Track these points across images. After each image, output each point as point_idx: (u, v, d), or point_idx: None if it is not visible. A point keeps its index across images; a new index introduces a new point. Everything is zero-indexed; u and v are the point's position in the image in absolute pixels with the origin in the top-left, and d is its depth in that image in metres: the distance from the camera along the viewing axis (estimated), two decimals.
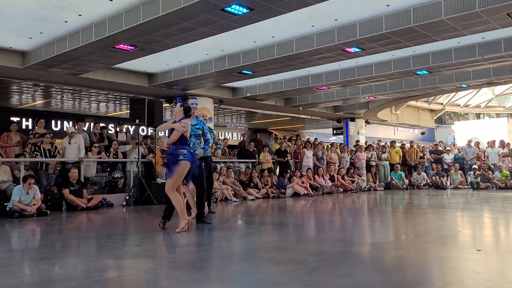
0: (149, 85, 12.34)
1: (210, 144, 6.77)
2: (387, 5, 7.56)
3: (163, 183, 10.19)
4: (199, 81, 11.94)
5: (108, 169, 10.61)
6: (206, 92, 13.60)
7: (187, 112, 5.73)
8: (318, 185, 12.63)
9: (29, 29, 8.30)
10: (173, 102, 13.87)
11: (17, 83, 12.08)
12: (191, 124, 5.99)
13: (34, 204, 7.82)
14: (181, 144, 5.47)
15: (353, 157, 15.12)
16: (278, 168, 13.62)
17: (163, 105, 13.05)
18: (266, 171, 12.25)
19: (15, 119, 14.86)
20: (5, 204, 7.87)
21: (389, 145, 16.04)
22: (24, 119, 16.43)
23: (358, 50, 9.13)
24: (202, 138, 6.31)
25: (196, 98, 6.35)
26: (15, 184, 8.37)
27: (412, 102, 21.60)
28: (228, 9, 6.52)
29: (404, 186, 14.58)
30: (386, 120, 21.31)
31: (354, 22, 8.27)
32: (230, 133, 23.19)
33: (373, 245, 4.73)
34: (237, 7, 6.47)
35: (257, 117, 20.31)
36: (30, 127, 15.59)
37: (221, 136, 21.56)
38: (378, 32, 8.05)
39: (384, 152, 15.45)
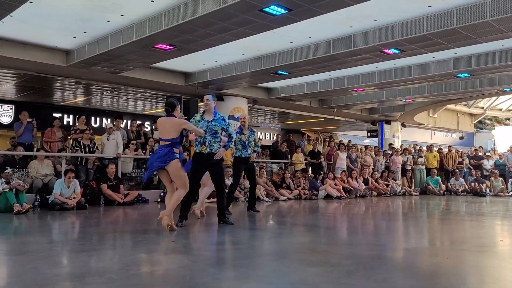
0: (185, 84, 12.54)
1: (233, 139, 6.51)
2: (429, 6, 7.38)
3: None
4: (234, 81, 12.05)
5: (144, 166, 10.85)
6: (240, 92, 13.70)
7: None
8: (352, 188, 12.47)
9: (74, 29, 8.61)
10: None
11: (60, 80, 12.56)
12: (207, 121, 5.81)
13: (74, 198, 8.11)
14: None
15: (388, 161, 14.83)
16: (310, 169, 13.54)
17: (198, 104, 13.26)
18: (299, 172, 12.21)
19: (57, 115, 15.45)
20: (47, 196, 8.21)
21: (425, 149, 15.63)
22: (65, 115, 17.06)
23: (396, 51, 8.95)
24: (221, 136, 5.97)
25: (212, 94, 6.02)
26: (56, 178, 8.71)
27: (451, 106, 20.98)
28: (267, 9, 6.54)
29: (441, 191, 14.18)
30: (423, 124, 20.79)
31: (394, 23, 8.12)
32: (263, 133, 23.25)
33: (408, 251, 4.63)
34: (276, 7, 6.49)
35: (290, 117, 20.26)
36: (71, 123, 16.18)
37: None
38: (418, 33, 7.87)
39: (421, 156, 15.07)
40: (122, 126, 12.26)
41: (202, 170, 5.97)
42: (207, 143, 5.77)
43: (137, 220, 7.16)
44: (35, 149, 10.11)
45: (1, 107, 15.45)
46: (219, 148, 5.87)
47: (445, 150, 15.98)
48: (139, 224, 6.42)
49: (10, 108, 15.60)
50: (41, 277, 3.13)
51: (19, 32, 8.84)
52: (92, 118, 17.73)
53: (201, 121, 5.84)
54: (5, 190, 7.42)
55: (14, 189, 7.49)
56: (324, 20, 7.70)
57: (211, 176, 6.03)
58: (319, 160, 13.36)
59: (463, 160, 15.70)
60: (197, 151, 5.86)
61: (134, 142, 10.58)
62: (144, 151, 10.82)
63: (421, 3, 7.31)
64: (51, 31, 8.73)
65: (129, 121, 16.84)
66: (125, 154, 10.18)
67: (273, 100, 15.00)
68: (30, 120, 10.04)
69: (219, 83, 12.32)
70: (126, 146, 10.46)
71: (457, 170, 14.94)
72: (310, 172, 13.34)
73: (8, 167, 7.99)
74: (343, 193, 11.99)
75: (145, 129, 14.09)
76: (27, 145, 9.75)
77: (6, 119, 15.49)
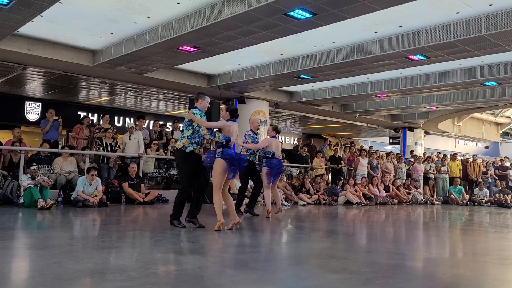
0: (208, 86, 12.63)
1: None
2: (457, 12, 7.25)
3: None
4: (256, 84, 12.07)
5: (165, 166, 10.98)
6: (262, 95, 13.72)
7: (234, 114, 5.78)
8: (372, 195, 12.32)
9: (101, 29, 8.78)
10: (229, 103, 14.11)
11: (85, 79, 12.82)
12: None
13: (96, 195, 8.26)
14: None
15: (410, 168, 14.60)
16: (330, 174, 13.44)
17: (220, 106, 13.33)
18: (319, 177, 12.13)
19: (82, 113, 15.78)
20: (70, 193, 8.38)
21: (449, 157, 15.33)
22: (90, 114, 17.37)
23: (422, 58, 8.82)
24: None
25: (207, 95, 5.90)
26: (80, 175, 8.88)
27: (477, 114, 20.53)
28: (291, 13, 6.54)
29: (464, 201, 13.87)
30: (447, 132, 20.40)
31: (420, 29, 8.00)
32: (283, 137, 23.20)
33: (429, 261, 4.54)
34: (301, 11, 6.48)
35: (311, 122, 20.17)
36: (95, 122, 16.49)
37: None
38: (445, 40, 7.74)
39: (444, 165, 14.78)
40: (145, 126, 12.44)
41: (193, 170, 5.65)
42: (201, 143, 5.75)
43: (156, 220, 7.23)
44: (60, 147, 10.33)
45: (29, 105, 15.86)
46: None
47: (470, 159, 15.63)
48: (158, 223, 6.48)
49: (37, 106, 15.99)
50: (63, 272, 3.19)
51: (48, 32, 9.07)
52: (116, 118, 18.00)
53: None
54: (31, 185, 7.62)
55: (39, 185, 7.68)
56: (348, 25, 7.65)
57: (197, 178, 5.70)
58: (340, 166, 13.25)
59: (488, 170, 15.33)
60: (189, 150, 5.58)
61: (156, 142, 10.71)
62: (165, 151, 10.94)
63: (448, 10, 7.19)
64: (79, 31, 8.93)
65: (151, 121, 17.12)
66: (146, 154, 10.31)
67: (294, 104, 14.96)
68: (56, 118, 10.28)
69: (241, 85, 12.36)
70: (148, 146, 10.60)
71: (481, 180, 14.59)
72: (330, 177, 13.25)
73: (34, 164, 8.20)
74: (363, 199, 11.85)
75: (167, 130, 14.25)
76: (53, 142, 9.99)
77: (33, 116, 15.89)
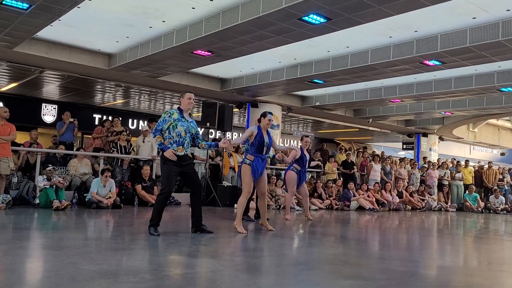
0: (221, 90, 12.70)
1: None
2: (473, 18, 7.19)
3: (228, 186, 10.47)
4: (269, 88, 12.10)
5: None
6: (275, 99, 13.74)
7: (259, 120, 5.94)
8: (385, 201, 12.21)
9: (117, 33, 8.91)
10: (242, 107, 14.16)
11: (101, 82, 12.99)
12: (187, 121, 5.34)
13: (109, 197, 8.34)
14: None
15: (424, 174, 14.45)
16: (342, 179, 13.36)
17: (233, 110, 13.38)
18: (331, 181, 12.07)
19: (97, 116, 15.99)
20: (84, 194, 8.48)
21: (463, 164, 15.14)
22: (104, 117, 17.60)
23: (437, 63, 8.75)
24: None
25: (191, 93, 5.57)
26: (94, 177, 8.99)
27: (493, 120, 20.24)
28: (306, 18, 6.56)
29: (479, 209, 13.66)
30: (462, 138, 20.15)
31: (435, 34, 7.95)
32: (296, 141, 23.16)
33: (443, 269, 4.48)
34: (315, 16, 6.49)
35: (324, 126, 20.12)
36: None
37: (287, 144, 21.58)
38: (461, 45, 7.67)
39: (459, 172, 14.59)
40: None
41: (177, 173, 5.34)
42: (185, 145, 5.26)
43: (169, 222, 7.26)
44: (75, 148, 10.46)
45: (45, 107, 16.13)
46: (191, 152, 5.51)
47: (485, 166, 15.41)
48: (170, 226, 6.52)
49: (54, 108, 16.25)
50: (78, 273, 3.23)
51: (66, 36, 9.23)
52: (130, 120, 18.20)
53: (182, 120, 5.28)
54: (46, 186, 7.73)
55: (54, 186, 7.79)
56: (363, 30, 7.64)
57: (189, 180, 5.49)
58: (352, 171, 13.17)
59: (504, 177, 15.08)
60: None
61: None
62: None
63: (465, 15, 7.13)
64: (96, 35, 9.06)
65: None
66: (159, 157, 10.37)
67: (307, 108, 14.95)
68: (72, 120, 10.43)
69: (255, 89, 12.40)
70: None
71: (497, 188, 14.36)
72: (341, 182, 13.17)
73: (49, 165, 8.32)
74: (376, 205, 11.76)
75: None
76: (68, 144, 10.13)
77: (50, 118, 16.15)
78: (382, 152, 16.36)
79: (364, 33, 8.09)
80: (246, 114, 14.50)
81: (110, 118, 17.09)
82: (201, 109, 10.67)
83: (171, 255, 4.26)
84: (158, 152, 10.38)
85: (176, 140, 5.20)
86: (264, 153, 5.88)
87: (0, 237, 4.89)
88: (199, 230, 5.53)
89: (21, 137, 10.64)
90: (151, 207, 8.93)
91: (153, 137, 5.37)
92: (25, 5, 6.61)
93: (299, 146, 7.88)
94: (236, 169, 11.67)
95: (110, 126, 10.51)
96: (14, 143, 8.42)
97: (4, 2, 6.54)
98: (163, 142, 5.23)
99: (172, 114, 5.26)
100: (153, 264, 3.71)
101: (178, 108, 5.42)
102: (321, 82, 11.09)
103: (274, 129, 14.09)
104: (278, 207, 10.73)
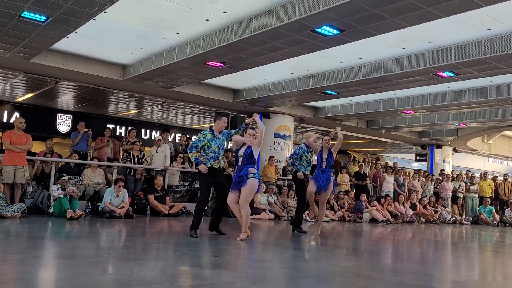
0: (233, 100, 12.76)
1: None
2: (488, 29, 7.14)
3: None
4: (281, 99, 12.13)
5: (190, 179, 11.08)
6: (287, 110, 13.75)
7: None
8: (398, 213, 12.07)
9: (132, 45, 9.04)
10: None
11: (115, 93, 13.16)
12: (218, 138, 6.18)
13: (122, 207, 8.39)
14: (249, 163, 5.94)
15: (437, 186, 14.26)
16: (355, 191, 13.27)
17: (245, 120, 13.42)
18: (343, 193, 11.99)
19: (110, 126, 16.14)
20: (98, 204, 8.55)
21: (479, 176, 14.91)
22: (118, 127, 17.81)
23: (451, 74, 8.69)
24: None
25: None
26: (107, 187, 9.06)
27: (508, 132, 19.94)
28: (319, 30, 6.58)
29: (495, 222, 13.41)
30: (476, 150, 19.89)
31: (449, 46, 7.91)
32: None
33: (458, 283, 4.40)
34: (328, 28, 6.51)
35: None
36: (123, 134, 16.86)
37: None
38: (475, 56, 7.62)
39: (473, 184, 14.37)
40: (170, 139, 12.62)
41: (212, 184, 6.27)
42: (219, 158, 6.19)
43: (181, 232, 7.26)
44: (89, 158, 10.58)
45: (60, 117, 16.37)
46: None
47: (501, 178, 15.16)
48: (182, 236, 6.52)
49: (68, 118, 16.49)
50: (91, 283, 3.25)
51: (81, 47, 9.39)
52: (143, 130, 18.36)
53: (214, 139, 6.14)
54: (60, 196, 7.81)
55: (68, 195, 7.87)
56: (375, 41, 7.63)
57: (220, 189, 6.28)
58: (365, 182, 13.07)
59: None
60: (209, 165, 6.08)
61: (181, 155, 10.84)
62: (190, 164, 11.05)
63: (479, 26, 7.09)
64: (111, 46, 9.21)
65: (177, 135, 17.36)
66: (172, 167, 10.43)
67: (319, 119, 14.92)
68: (86, 130, 10.56)
69: (267, 100, 12.43)
70: (173, 159, 10.74)
71: None
72: (353, 193, 13.07)
73: (64, 174, 8.42)
74: (390, 217, 11.63)
75: None
76: (82, 153, 10.25)
77: (64, 128, 16.38)
78: (395, 163, 16.21)
79: (377, 45, 8.08)
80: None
81: (117, 127, 17.49)
82: (213, 119, 10.72)
83: (183, 266, 4.26)
84: (171, 163, 10.46)
85: (212, 156, 6.12)
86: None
87: (15, 245, 4.95)
88: (215, 230, 6.38)
89: (37, 147, 10.82)
90: (164, 217, 9.03)
91: (189, 152, 6.24)
92: (43, 18, 6.76)
93: (319, 147, 7.67)
94: None
95: (111, 135, 10.75)
96: (29, 153, 8.54)
97: (22, 15, 6.69)
98: (199, 157, 6.13)
99: (206, 135, 6.15)
100: (166, 275, 3.71)
101: (210, 128, 6.26)
102: (333, 93, 11.09)
103: (286, 140, 14.09)
104: (290, 218, 10.66)
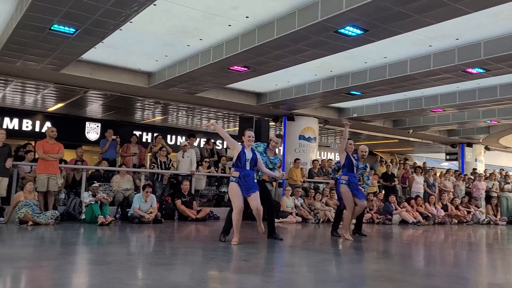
0: (257, 104, 12.78)
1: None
2: None
3: None
4: (305, 101, 12.07)
5: (216, 183, 11.15)
6: (311, 112, 13.67)
7: None
8: (429, 214, 11.78)
9: (157, 53, 9.19)
10: (278, 121, 14.19)
11: (141, 100, 13.39)
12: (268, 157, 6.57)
13: (151, 212, 8.51)
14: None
15: (470, 186, 13.86)
16: (383, 192, 13.05)
17: (270, 123, 13.42)
18: (371, 194, 11.80)
19: (137, 133, 16.42)
20: (127, 210, 8.70)
21: None
22: (144, 133, 18.10)
23: (481, 71, 8.45)
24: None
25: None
26: (136, 192, 9.21)
27: None
28: (342, 30, 6.51)
29: None
30: (510, 147, 19.24)
31: (478, 41, 7.69)
32: (333, 154, 22.89)
33: (494, 286, 4.26)
34: (352, 28, 6.44)
35: (361, 138, 19.76)
36: (149, 141, 17.13)
37: (324, 157, 21.35)
38: (506, 51, 7.38)
39: (508, 183, 13.90)
40: (195, 144, 12.74)
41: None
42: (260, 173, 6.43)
43: (208, 237, 7.31)
44: (117, 165, 10.79)
45: (89, 125, 16.78)
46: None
47: None
48: (210, 240, 6.56)
49: (97, 126, 16.88)
50: None
51: (108, 57, 9.61)
52: (168, 136, 18.59)
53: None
54: (92, 202, 8.00)
55: (99, 202, 8.05)
56: (401, 40, 7.50)
57: (264, 201, 6.29)
58: (393, 183, 12.83)
59: None
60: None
61: (207, 160, 10.92)
62: (216, 169, 11.12)
63: (509, 20, 6.87)
64: (136, 55, 9.38)
65: (202, 139, 17.50)
66: (198, 172, 10.52)
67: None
68: (114, 137, 10.78)
69: (291, 103, 12.40)
70: (199, 163, 10.83)
71: None
72: (382, 195, 12.86)
73: (95, 181, 8.61)
74: (421, 218, 11.36)
75: (217, 147, 14.52)
76: (111, 160, 10.47)
77: (93, 136, 16.78)
78: (424, 163, 15.85)
79: (402, 43, 7.93)
80: (282, 128, 14.49)
81: (144, 134, 17.78)
82: (237, 123, 10.76)
83: (212, 271, 4.28)
84: (197, 168, 10.55)
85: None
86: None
87: (50, 252, 5.09)
88: (272, 237, 6.56)
89: (67, 155, 11.10)
90: (191, 222, 9.11)
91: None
92: (72, 30, 6.95)
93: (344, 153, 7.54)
94: (274, 184, 11.65)
95: (137, 141, 10.94)
96: (60, 160, 8.78)
97: (52, 28, 6.90)
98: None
99: (259, 148, 6.59)
100: (195, 280, 3.74)
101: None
102: (358, 93, 10.95)
103: (312, 142, 14.00)
104: (317, 221, 10.59)
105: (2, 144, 7.94)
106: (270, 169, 6.50)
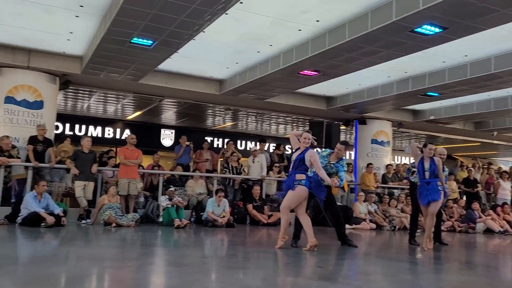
0: (327, 108, 12.59)
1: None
2: None
3: (338, 205, 10.23)
4: (378, 104, 11.68)
5: None
6: (384, 115, 13.20)
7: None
8: None
9: (228, 60, 9.41)
10: (349, 124, 13.88)
11: (212, 107, 13.79)
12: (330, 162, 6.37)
13: (224, 216, 8.70)
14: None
15: None
16: (464, 199, 12.22)
17: (340, 127, 13.16)
18: (451, 201, 11.11)
19: (208, 138, 16.93)
20: (201, 213, 8.97)
21: None
22: (215, 139, 18.60)
23: None
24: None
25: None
26: (209, 197, 9.48)
27: None
28: (418, 30, 6.22)
29: None
30: None
31: None
32: (407, 158, 21.91)
33: None
34: (429, 27, 6.12)
35: (438, 141, 18.70)
36: (220, 146, 17.58)
37: (398, 161, 20.51)
38: None
39: None
40: (265, 149, 12.84)
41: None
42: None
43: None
44: (191, 170, 11.17)
45: (164, 132, 17.59)
46: None
47: None
48: (283, 246, 6.55)
49: (171, 132, 17.64)
50: None
51: (182, 66, 10.01)
52: (238, 142, 18.92)
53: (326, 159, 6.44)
54: (168, 206, 8.35)
55: (175, 205, 8.38)
56: (483, 37, 6.98)
57: (328, 206, 6.68)
58: (476, 189, 11.98)
59: None
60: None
61: (277, 165, 10.95)
62: (286, 173, 11.10)
63: None
64: (208, 63, 9.68)
65: (271, 144, 17.60)
66: (269, 176, 10.58)
67: (420, 123, 14.06)
68: (188, 143, 11.19)
69: (362, 106, 12.06)
70: (269, 168, 10.89)
71: None
72: (464, 202, 12.05)
73: (171, 186, 9.00)
74: (508, 227, 10.48)
75: (287, 152, 14.51)
76: (185, 165, 10.88)
77: (168, 142, 17.55)
78: (511, 168, 14.59)
79: (484, 40, 7.39)
80: (353, 131, 14.14)
81: (215, 139, 18.24)
82: (308, 128, 10.67)
83: (288, 276, 4.26)
84: (267, 172, 10.62)
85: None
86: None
87: (132, 252, 5.38)
88: (346, 244, 6.39)
89: (143, 160, 11.72)
90: (263, 226, 9.17)
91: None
92: (150, 42, 7.34)
93: (420, 156, 7.15)
94: (346, 188, 11.39)
95: (209, 147, 11.20)
96: (138, 166, 9.28)
97: (132, 41, 7.34)
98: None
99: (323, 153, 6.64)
100: (271, 285, 3.74)
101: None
102: (436, 94, 10.38)
103: (385, 146, 13.52)
104: (392, 228, 10.17)
105: (89, 150, 8.56)
106: (330, 174, 6.22)
